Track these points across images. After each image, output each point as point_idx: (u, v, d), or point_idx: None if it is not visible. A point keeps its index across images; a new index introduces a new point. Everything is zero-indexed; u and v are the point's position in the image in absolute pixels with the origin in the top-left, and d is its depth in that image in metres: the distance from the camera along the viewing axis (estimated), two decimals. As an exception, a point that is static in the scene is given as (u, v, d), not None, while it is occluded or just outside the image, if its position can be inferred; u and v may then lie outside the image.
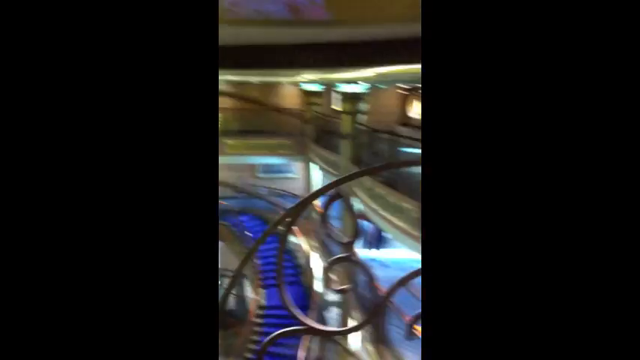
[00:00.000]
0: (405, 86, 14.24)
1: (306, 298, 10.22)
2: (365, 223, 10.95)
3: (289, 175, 15.51)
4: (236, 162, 13.03)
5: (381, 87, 13.63)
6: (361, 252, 12.33)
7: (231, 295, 11.22)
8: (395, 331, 6.90)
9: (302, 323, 1.36)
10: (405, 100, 14.50)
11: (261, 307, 10.21)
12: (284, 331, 1.34)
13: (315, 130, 12.83)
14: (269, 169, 15.44)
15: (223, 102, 12.48)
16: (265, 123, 13.48)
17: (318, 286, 10.33)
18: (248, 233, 12.24)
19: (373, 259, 12.90)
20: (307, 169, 13.34)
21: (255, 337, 9.65)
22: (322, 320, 9.65)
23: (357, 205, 9.42)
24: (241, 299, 12.29)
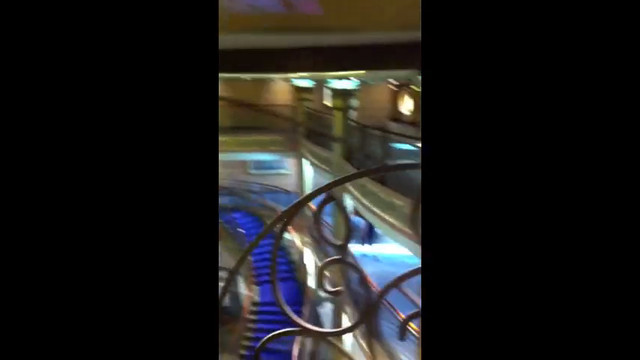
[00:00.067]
0: (396, 82, 14.27)
1: (300, 294, 10.26)
2: (357, 218, 11.00)
3: (281, 171, 15.51)
4: (227, 159, 13.00)
5: (372, 83, 13.65)
6: (353, 247, 12.39)
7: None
8: (386, 326, 6.95)
9: (295, 324, 1.38)
10: (395, 96, 14.53)
11: (254, 304, 10.23)
12: (277, 333, 1.36)
13: (306, 126, 12.82)
14: (261, 165, 15.42)
15: (214, 99, 12.37)
16: (257, 119, 13.44)
17: (311, 282, 10.37)
18: (241, 230, 12.24)
19: (365, 255, 12.96)
20: (299, 166, 13.35)
21: (249, 334, 9.68)
22: (316, 316, 9.71)
23: (349, 201, 9.47)
24: (235, 296, 12.31)
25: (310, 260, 11.05)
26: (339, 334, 1.45)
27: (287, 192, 14.16)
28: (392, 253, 12.36)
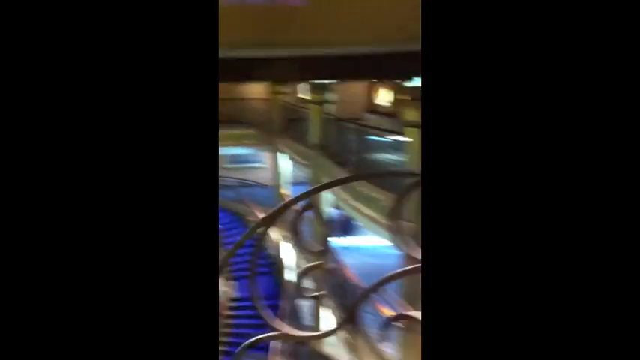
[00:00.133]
0: (371, 74, 14.29)
1: (278, 288, 10.24)
2: (336, 211, 11.03)
3: (256, 165, 15.40)
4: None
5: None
6: (334, 240, 12.44)
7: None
8: (368, 318, 7.01)
9: (274, 328, 1.35)
10: (371, 88, 14.58)
11: (232, 299, 10.17)
12: (255, 340, 1.33)
13: (282, 120, 12.75)
14: (236, 159, 15.28)
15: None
16: (231, 113, 13.29)
17: (289, 275, 10.37)
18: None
19: (345, 247, 13.04)
20: (275, 159, 13.27)
21: (227, 330, 9.62)
22: (294, 309, 9.70)
23: (327, 195, 9.46)
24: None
25: (288, 254, 11.03)
26: (319, 338, 1.42)
27: (263, 186, 14.07)
28: (370, 244, 12.50)
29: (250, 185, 14.12)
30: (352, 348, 7.21)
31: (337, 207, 9.56)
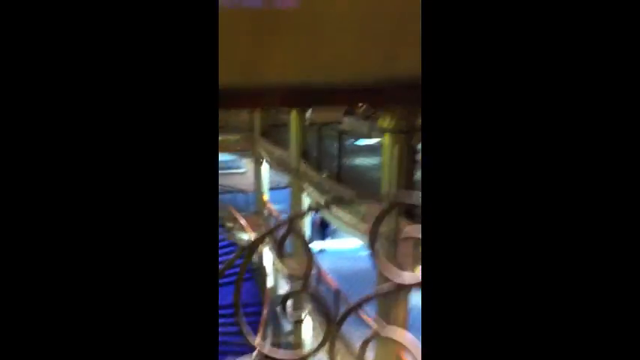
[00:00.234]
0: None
1: (259, 294, 10.23)
2: (313, 214, 11.08)
3: (237, 170, 15.33)
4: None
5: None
6: (311, 244, 12.48)
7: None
8: (346, 323, 7.06)
9: (254, 347, 1.40)
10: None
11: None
12: None
13: (262, 125, 12.73)
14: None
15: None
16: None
17: (270, 281, 10.37)
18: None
19: (321, 250, 13.10)
20: (256, 165, 13.26)
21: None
22: (275, 316, 9.71)
23: (306, 197, 9.50)
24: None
25: (269, 260, 11.03)
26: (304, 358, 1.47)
27: (244, 192, 14.03)
28: (346, 247, 12.62)
29: (231, 191, 14.06)
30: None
31: (315, 210, 9.63)
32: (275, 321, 9.57)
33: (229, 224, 12.40)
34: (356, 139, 8.87)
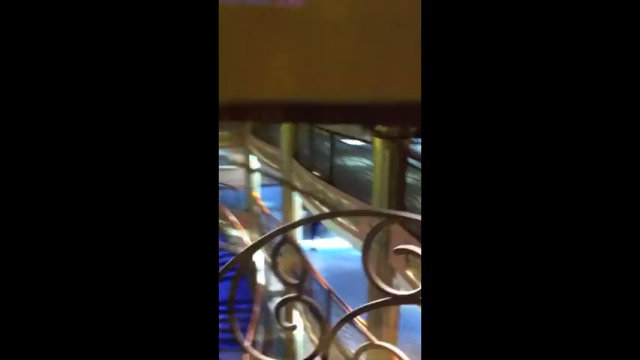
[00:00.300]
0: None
1: (250, 292, 10.24)
2: (305, 214, 11.10)
3: (228, 167, 15.29)
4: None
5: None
6: (302, 242, 12.53)
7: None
8: (335, 322, 7.12)
9: (245, 350, 1.44)
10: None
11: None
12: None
13: (253, 122, 12.70)
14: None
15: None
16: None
17: (260, 279, 10.38)
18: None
19: (313, 249, 13.15)
20: (246, 161, 13.25)
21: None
22: (267, 313, 9.73)
23: (298, 198, 9.54)
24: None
25: (259, 257, 11.04)
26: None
27: (234, 189, 14.01)
28: (337, 246, 12.68)
29: (222, 187, 14.03)
30: None
31: (305, 208, 9.68)
32: (266, 317, 9.60)
33: (220, 221, 12.38)
34: (347, 139, 8.89)
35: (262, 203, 12.81)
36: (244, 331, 8.48)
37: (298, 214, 10.02)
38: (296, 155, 9.60)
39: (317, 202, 8.08)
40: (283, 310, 1.47)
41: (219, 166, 14.94)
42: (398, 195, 6.07)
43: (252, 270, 10.85)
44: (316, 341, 7.81)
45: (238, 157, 14.04)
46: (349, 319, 1.32)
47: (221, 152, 14.12)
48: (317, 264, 9.84)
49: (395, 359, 1.31)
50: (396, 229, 5.34)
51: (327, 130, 8.57)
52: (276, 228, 1.32)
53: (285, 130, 9.95)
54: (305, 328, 8.42)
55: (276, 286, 10.50)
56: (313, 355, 1.37)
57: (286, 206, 10.05)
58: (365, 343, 1.33)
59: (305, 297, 1.35)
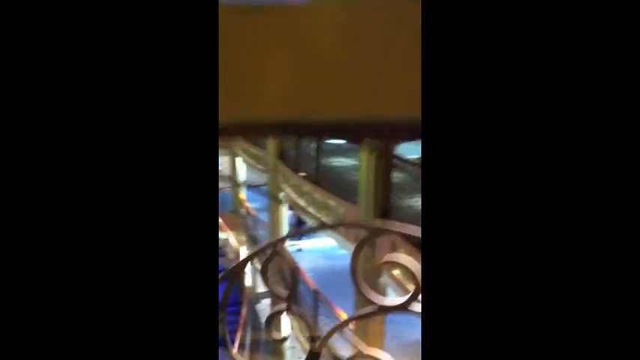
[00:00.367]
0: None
1: (238, 294, 10.23)
2: (291, 214, 11.12)
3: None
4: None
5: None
6: (289, 244, 12.53)
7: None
8: (323, 322, 7.16)
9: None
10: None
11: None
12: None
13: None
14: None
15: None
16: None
17: (248, 281, 10.37)
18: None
19: (299, 250, 13.17)
20: (232, 163, 13.19)
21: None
22: (254, 314, 9.74)
23: (284, 198, 9.54)
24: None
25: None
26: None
27: (220, 190, 13.95)
28: (324, 245, 12.74)
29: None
30: None
31: (291, 208, 9.70)
32: (254, 320, 9.60)
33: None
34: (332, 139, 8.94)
35: (248, 205, 12.77)
36: (232, 333, 8.47)
37: (285, 214, 10.02)
38: (282, 156, 9.60)
39: (303, 203, 8.09)
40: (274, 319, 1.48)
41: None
42: (384, 194, 6.12)
43: (240, 272, 10.81)
44: (302, 340, 7.83)
45: (224, 158, 13.97)
46: (339, 329, 1.34)
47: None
48: (303, 264, 9.85)
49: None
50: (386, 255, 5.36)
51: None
52: (268, 242, 1.33)
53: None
54: (292, 328, 8.43)
55: (263, 287, 10.50)
56: (304, 366, 1.38)
57: (273, 207, 10.05)
58: (354, 352, 1.35)
59: (294, 308, 1.36)
